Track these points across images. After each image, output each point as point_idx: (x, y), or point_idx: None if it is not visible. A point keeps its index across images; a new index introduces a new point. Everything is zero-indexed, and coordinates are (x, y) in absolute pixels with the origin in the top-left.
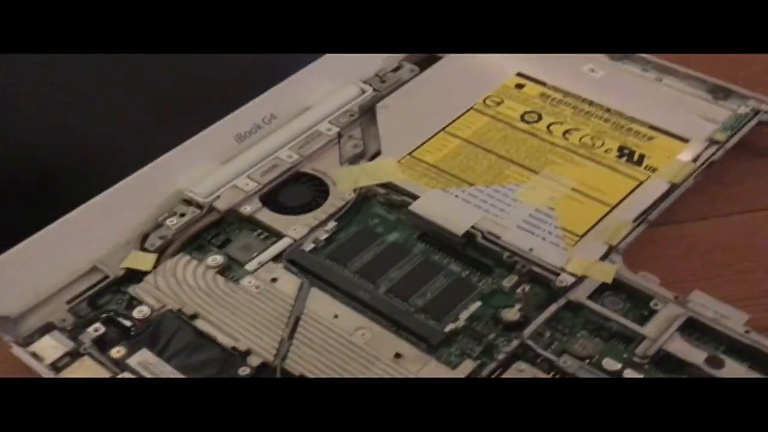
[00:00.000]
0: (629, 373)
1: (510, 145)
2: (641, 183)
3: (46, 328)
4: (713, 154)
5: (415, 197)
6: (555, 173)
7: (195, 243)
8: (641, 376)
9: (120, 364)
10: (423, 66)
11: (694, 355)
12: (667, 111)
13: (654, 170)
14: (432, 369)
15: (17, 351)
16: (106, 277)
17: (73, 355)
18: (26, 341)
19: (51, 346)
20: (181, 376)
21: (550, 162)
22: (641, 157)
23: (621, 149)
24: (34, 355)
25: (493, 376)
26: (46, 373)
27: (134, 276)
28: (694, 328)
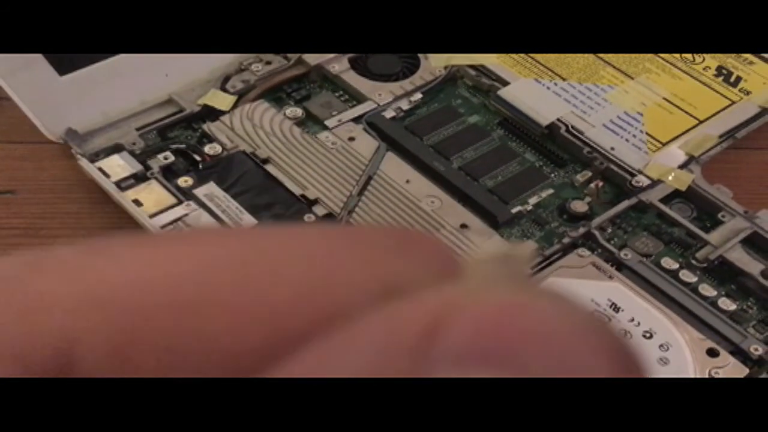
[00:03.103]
0: (685, 275)
1: None
2: (733, 103)
3: (115, 149)
4: None
5: (505, 83)
6: (650, 81)
7: (275, 94)
8: (695, 279)
9: (186, 193)
10: None
11: (752, 265)
12: None
13: (748, 93)
14: (494, 244)
15: (84, 164)
16: (181, 110)
17: (140, 178)
18: (92, 158)
19: (118, 165)
20: (245, 212)
21: (647, 70)
22: (738, 78)
23: (719, 69)
24: (101, 171)
25: (553, 258)
26: (112, 190)
27: (209, 114)
28: (756, 244)
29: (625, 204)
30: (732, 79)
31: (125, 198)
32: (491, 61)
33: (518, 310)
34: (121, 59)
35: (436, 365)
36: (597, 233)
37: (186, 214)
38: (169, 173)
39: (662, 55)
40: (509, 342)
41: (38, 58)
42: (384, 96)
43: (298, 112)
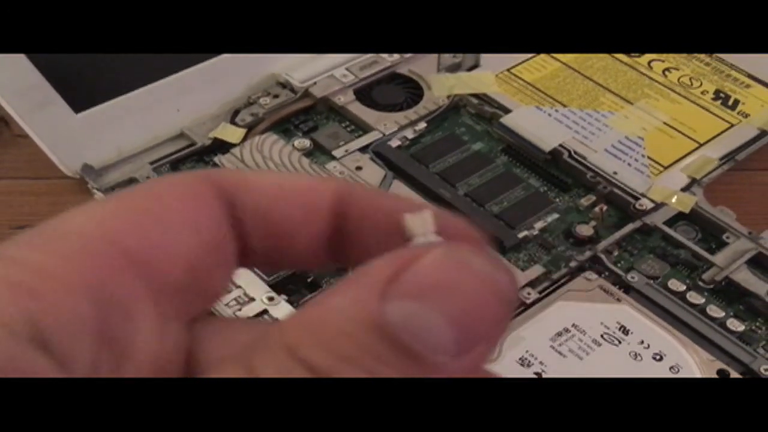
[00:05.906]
0: (692, 296)
1: (609, 74)
2: (732, 126)
3: (129, 183)
4: None
5: (507, 111)
6: (649, 106)
7: (283, 126)
8: (702, 300)
9: None
10: None
11: (758, 286)
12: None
13: (746, 116)
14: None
15: (100, 198)
16: (193, 144)
17: None
18: (108, 192)
19: None
20: None
21: (646, 95)
22: (736, 102)
23: (717, 92)
24: None
25: (560, 282)
26: None
27: (220, 147)
28: (762, 265)
29: (630, 227)
30: (730, 102)
31: None
32: (492, 89)
33: (456, 264)
34: (134, 96)
35: (394, 298)
36: (603, 256)
37: None
38: None
39: (660, 81)
40: (442, 285)
41: (55, 96)
42: (389, 126)
43: (306, 143)
